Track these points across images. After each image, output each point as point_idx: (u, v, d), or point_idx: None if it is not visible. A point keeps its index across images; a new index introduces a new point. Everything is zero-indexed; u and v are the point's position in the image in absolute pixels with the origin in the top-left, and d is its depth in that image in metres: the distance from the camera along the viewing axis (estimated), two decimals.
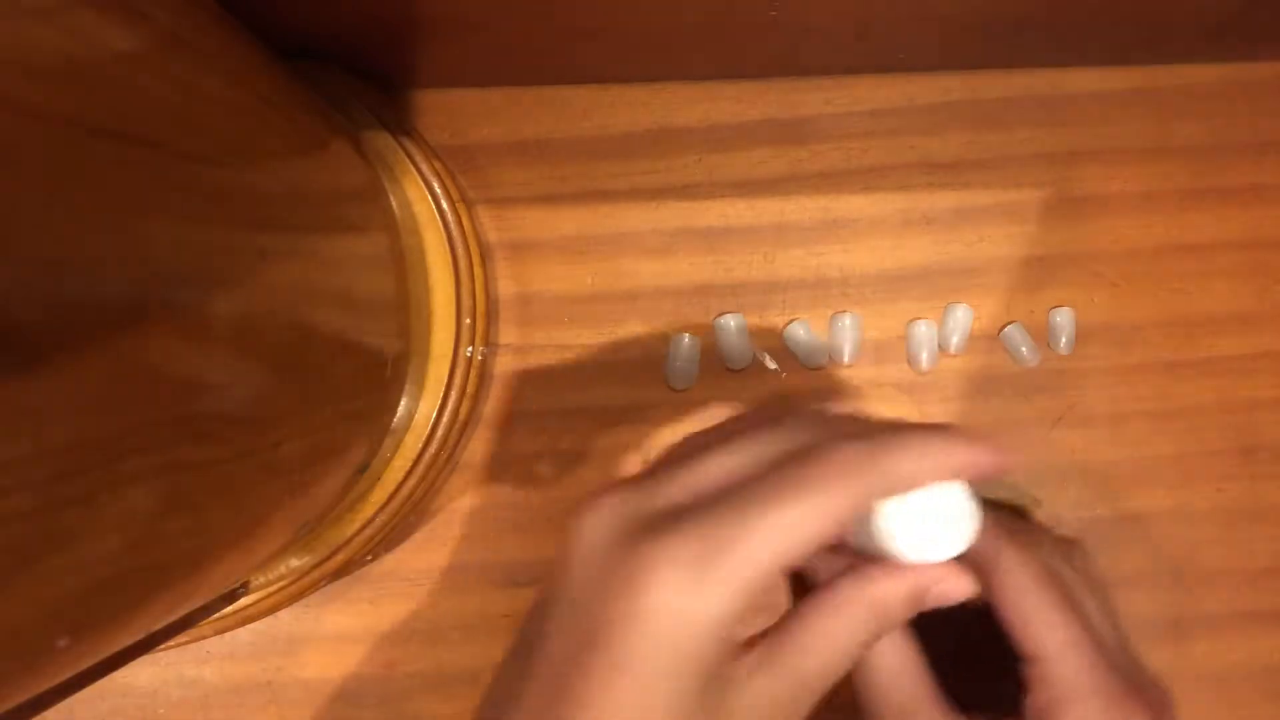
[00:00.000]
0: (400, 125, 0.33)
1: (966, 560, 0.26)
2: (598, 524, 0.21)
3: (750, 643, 0.21)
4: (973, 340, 0.35)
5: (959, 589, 0.22)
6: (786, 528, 0.19)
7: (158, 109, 0.18)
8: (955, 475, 0.21)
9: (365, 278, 0.29)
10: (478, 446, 0.35)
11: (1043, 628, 0.25)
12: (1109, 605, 0.29)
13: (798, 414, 0.23)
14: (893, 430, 0.21)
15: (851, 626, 0.21)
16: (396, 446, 0.32)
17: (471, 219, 0.34)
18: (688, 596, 0.19)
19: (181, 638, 0.27)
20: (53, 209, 0.14)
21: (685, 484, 0.21)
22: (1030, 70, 0.36)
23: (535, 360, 0.35)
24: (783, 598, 0.26)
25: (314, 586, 0.31)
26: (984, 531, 0.25)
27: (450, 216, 0.32)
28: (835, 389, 0.35)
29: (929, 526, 0.22)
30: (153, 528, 0.18)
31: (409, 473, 0.31)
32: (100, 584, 0.17)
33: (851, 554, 0.24)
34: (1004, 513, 0.32)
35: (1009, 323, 0.35)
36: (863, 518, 0.24)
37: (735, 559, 0.19)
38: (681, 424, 0.35)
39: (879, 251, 0.36)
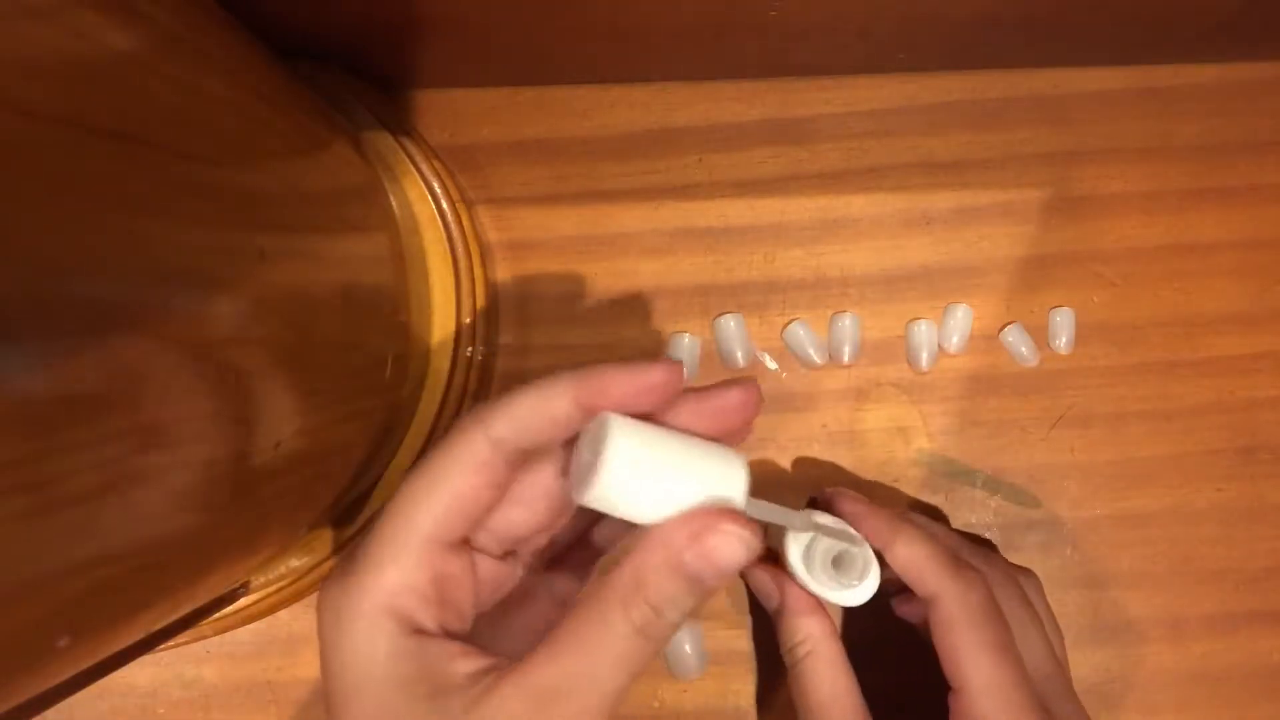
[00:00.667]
0: (400, 125, 0.33)
1: (914, 597, 0.27)
2: None
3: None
4: (973, 340, 0.35)
5: (727, 548, 0.19)
6: (418, 519, 0.20)
7: (158, 109, 0.18)
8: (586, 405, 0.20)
9: (365, 278, 0.29)
10: None
11: (969, 664, 0.25)
12: (1056, 637, 0.29)
13: None
14: (521, 385, 0.21)
15: (609, 628, 0.18)
16: (397, 446, 0.32)
17: (471, 219, 0.34)
18: (341, 610, 0.19)
19: (181, 638, 0.27)
20: (53, 209, 0.14)
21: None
22: (1030, 70, 0.36)
23: (535, 360, 0.35)
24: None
25: (314, 587, 0.31)
26: (927, 563, 0.26)
27: (450, 216, 0.32)
28: (835, 389, 0.35)
29: (585, 469, 0.20)
30: (153, 528, 0.18)
31: (409, 474, 0.31)
32: (100, 584, 0.17)
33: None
34: (964, 540, 0.32)
35: (1009, 323, 0.35)
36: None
37: (381, 563, 0.19)
38: None
39: (879, 251, 0.36)
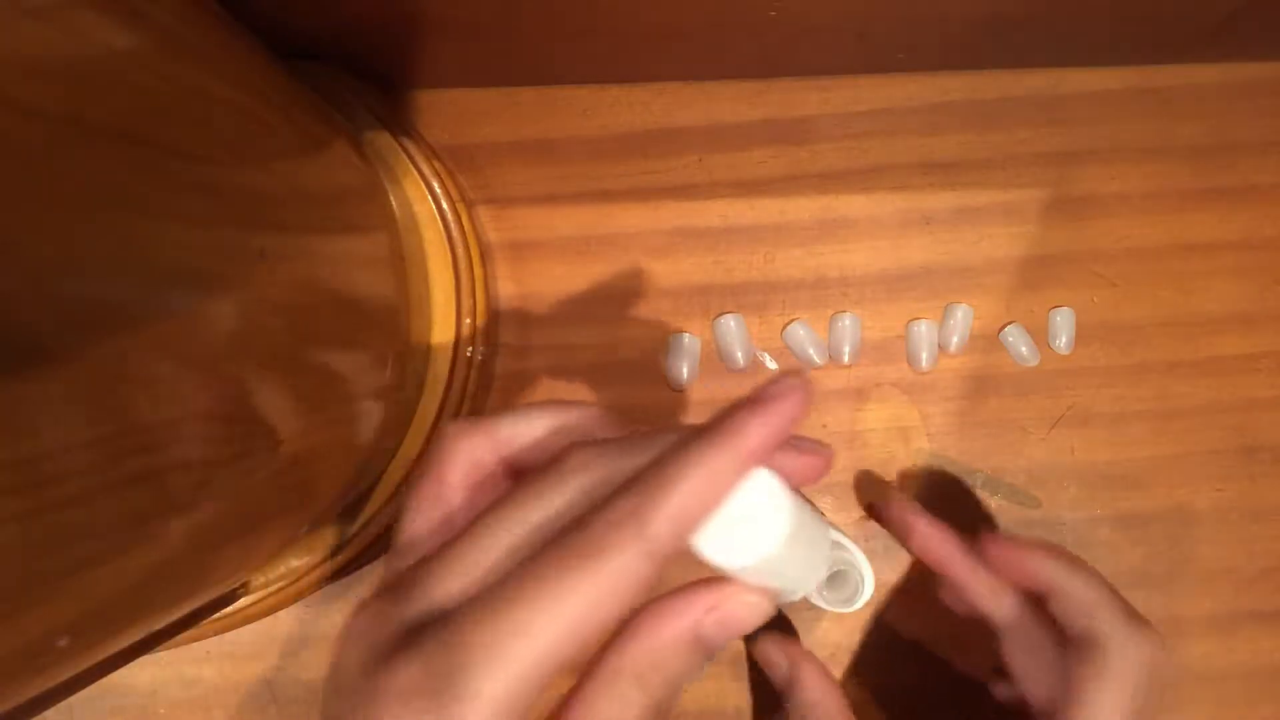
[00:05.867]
0: (400, 125, 0.33)
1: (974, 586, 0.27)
2: (350, 645, 0.17)
3: None
4: (973, 340, 0.35)
5: (745, 614, 0.18)
6: (542, 634, 0.16)
7: (158, 109, 0.18)
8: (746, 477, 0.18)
9: (365, 278, 0.29)
10: None
11: (1095, 711, 0.24)
12: None
13: (574, 456, 0.18)
14: (669, 462, 0.17)
15: (622, 705, 0.17)
16: (397, 446, 0.31)
17: (471, 219, 0.34)
18: None
19: (181, 638, 0.27)
20: (53, 209, 0.14)
21: (441, 582, 0.17)
22: (1030, 70, 0.36)
23: (535, 360, 0.35)
24: None
25: (314, 586, 0.31)
26: (1105, 607, 0.25)
27: (450, 216, 0.32)
28: (835, 389, 0.35)
29: (736, 529, 0.18)
30: (153, 528, 0.18)
31: (409, 472, 0.31)
32: (100, 584, 0.17)
33: None
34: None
35: (1009, 323, 0.35)
36: None
37: (480, 685, 0.15)
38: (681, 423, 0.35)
39: (879, 251, 0.35)
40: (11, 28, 0.14)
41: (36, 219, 0.14)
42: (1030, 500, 0.35)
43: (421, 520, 0.19)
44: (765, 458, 0.18)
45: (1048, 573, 0.26)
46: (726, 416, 0.18)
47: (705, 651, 0.18)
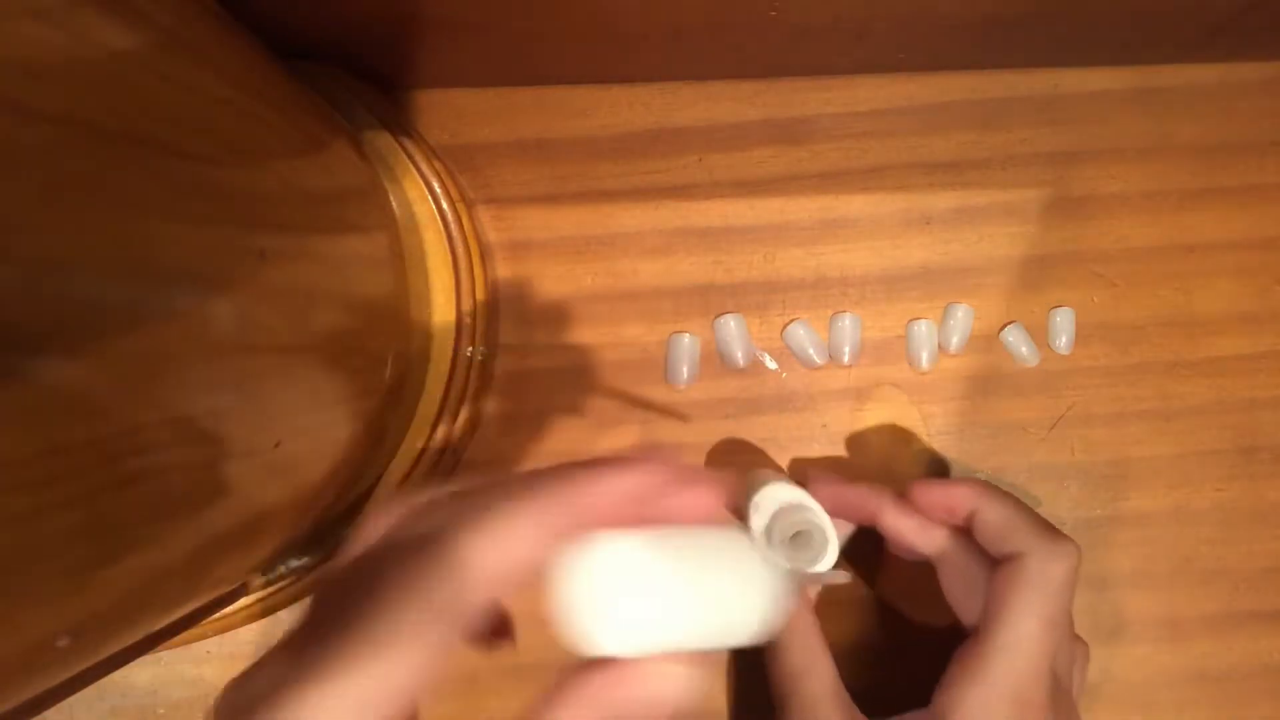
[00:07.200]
0: (400, 125, 0.33)
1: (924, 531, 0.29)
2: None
3: None
4: (973, 340, 0.35)
5: (670, 689, 0.16)
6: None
7: (158, 109, 0.18)
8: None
9: (365, 278, 0.29)
10: (478, 446, 0.35)
11: (1013, 620, 0.25)
12: (1080, 676, 0.29)
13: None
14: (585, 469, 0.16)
15: None
16: (396, 446, 0.32)
17: (471, 219, 0.34)
18: None
19: (182, 638, 0.27)
20: (53, 209, 0.14)
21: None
22: (1030, 70, 0.36)
23: (535, 360, 0.35)
24: None
25: (314, 586, 0.31)
26: (1020, 524, 0.27)
27: (450, 216, 0.32)
28: (835, 389, 0.35)
29: (606, 612, 0.15)
30: (153, 528, 0.18)
31: (409, 473, 0.31)
32: (100, 584, 0.17)
33: None
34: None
35: (1009, 323, 0.35)
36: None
37: None
38: (681, 424, 0.35)
39: (879, 251, 0.36)
40: (12, 28, 0.14)
41: (36, 219, 0.14)
42: (1030, 500, 0.35)
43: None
44: (593, 521, 0.16)
45: (969, 503, 0.28)
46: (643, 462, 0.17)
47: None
